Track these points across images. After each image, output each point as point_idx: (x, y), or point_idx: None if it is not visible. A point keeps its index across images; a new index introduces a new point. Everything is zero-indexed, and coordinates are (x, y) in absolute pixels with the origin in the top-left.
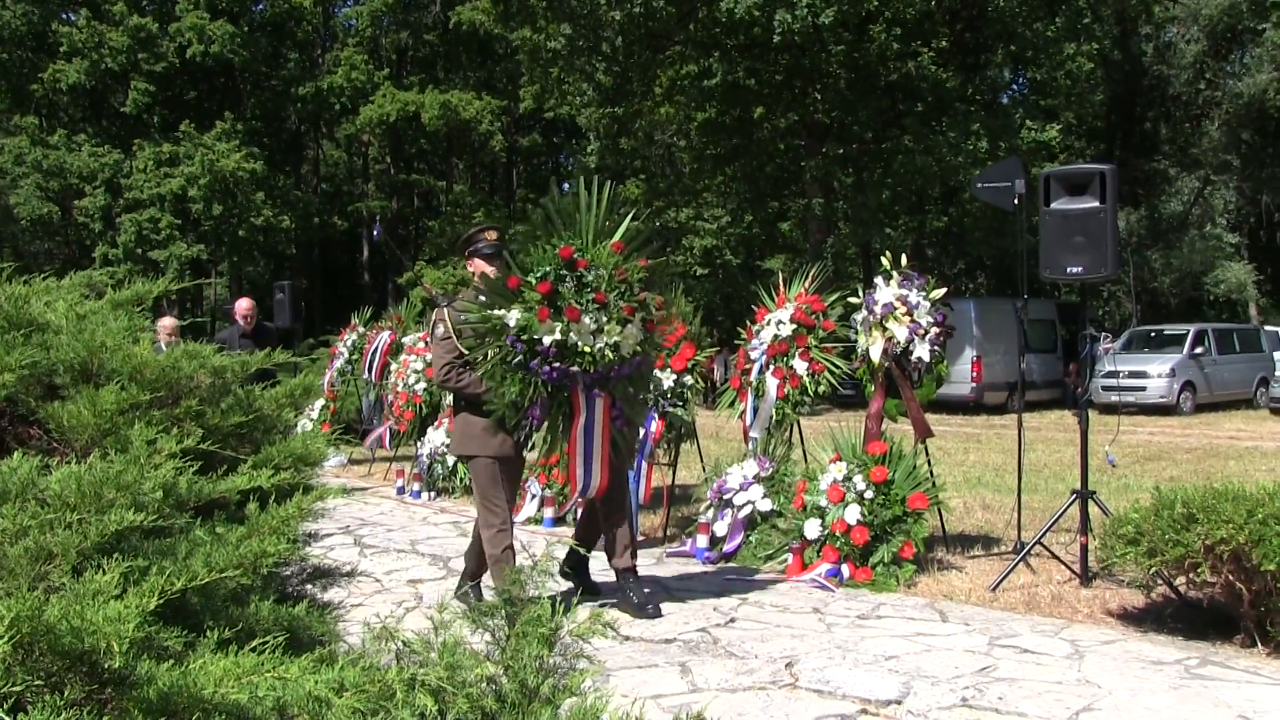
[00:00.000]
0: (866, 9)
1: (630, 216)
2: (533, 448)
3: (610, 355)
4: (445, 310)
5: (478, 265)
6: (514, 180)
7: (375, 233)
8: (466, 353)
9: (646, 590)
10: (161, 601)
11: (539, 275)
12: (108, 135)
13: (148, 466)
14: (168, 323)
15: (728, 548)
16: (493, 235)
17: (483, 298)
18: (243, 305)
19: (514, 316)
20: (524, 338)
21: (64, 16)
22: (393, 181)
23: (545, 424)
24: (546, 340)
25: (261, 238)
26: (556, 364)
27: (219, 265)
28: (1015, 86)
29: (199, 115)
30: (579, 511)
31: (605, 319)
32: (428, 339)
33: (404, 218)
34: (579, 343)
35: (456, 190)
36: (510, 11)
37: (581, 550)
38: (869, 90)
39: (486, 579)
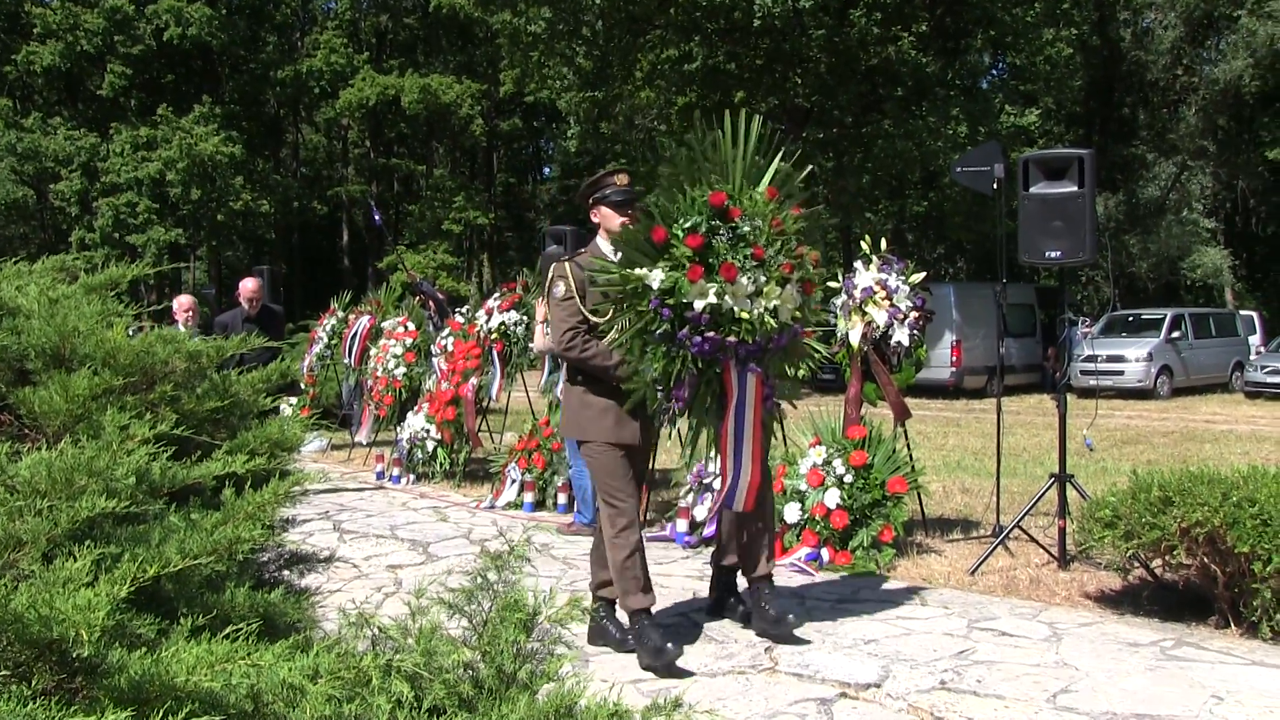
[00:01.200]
0: None
1: (780, 155)
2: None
3: (771, 322)
4: (567, 265)
5: (605, 215)
6: (494, 164)
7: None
8: (593, 318)
9: (781, 601)
10: (133, 589)
11: (688, 226)
12: (84, 118)
13: (120, 452)
14: (185, 300)
15: (707, 532)
16: (624, 179)
17: (618, 253)
18: (248, 286)
19: (658, 276)
20: (670, 302)
21: None
22: (372, 166)
23: (691, 408)
24: (699, 305)
25: (240, 222)
26: (709, 333)
27: (197, 250)
28: (995, 71)
29: (177, 98)
30: (712, 523)
31: (764, 279)
32: (544, 299)
33: (384, 202)
34: (735, 307)
35: (436, 174)
36: None
37: (725, 566)
38: (849, 75)
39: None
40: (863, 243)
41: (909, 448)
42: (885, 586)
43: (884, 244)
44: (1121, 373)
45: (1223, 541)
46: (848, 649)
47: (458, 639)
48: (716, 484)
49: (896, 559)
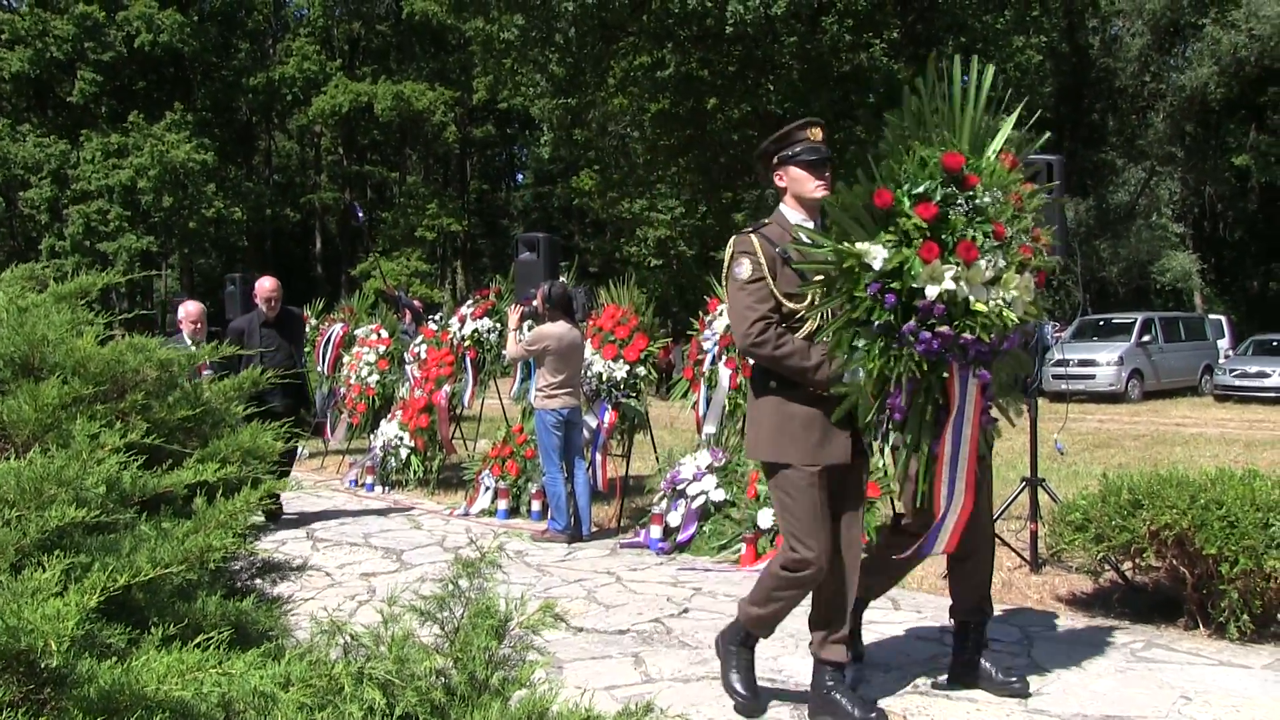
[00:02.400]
0: (818, 0)
1: (1015, 116)
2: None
3: (1010, 317)
4: (753, 238)
5: (795, 178)
6: (467, 171)
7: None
8: (789, 304)
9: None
10: (103, 598)
11: (918, 193)
12: (53, 125)
13: (90, 461)
14: (193, 309)
15: (681, 538)
16: (817, 133)
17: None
18: (265, 286)
19: (881, 254)
20: (895, 286)
21: (6, 4)
22: (345, 173)
23: (908, 420)
24: (931, 292)
25: (213, 229)
26: (942, 328)
27: (170, 257)
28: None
29: (148, 105)
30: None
31: (1003, 263)
32: (723, 281)
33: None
34: (970, 297)
35: (410, 181)
36: (463, 2)
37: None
38: (821, 81)
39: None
40: None
41: (881, 453)
42: None
43: None
44: (1093, 376)
45: (1191, 543)
46: None
47: (430, 646)
48: (691, 490)
49: None
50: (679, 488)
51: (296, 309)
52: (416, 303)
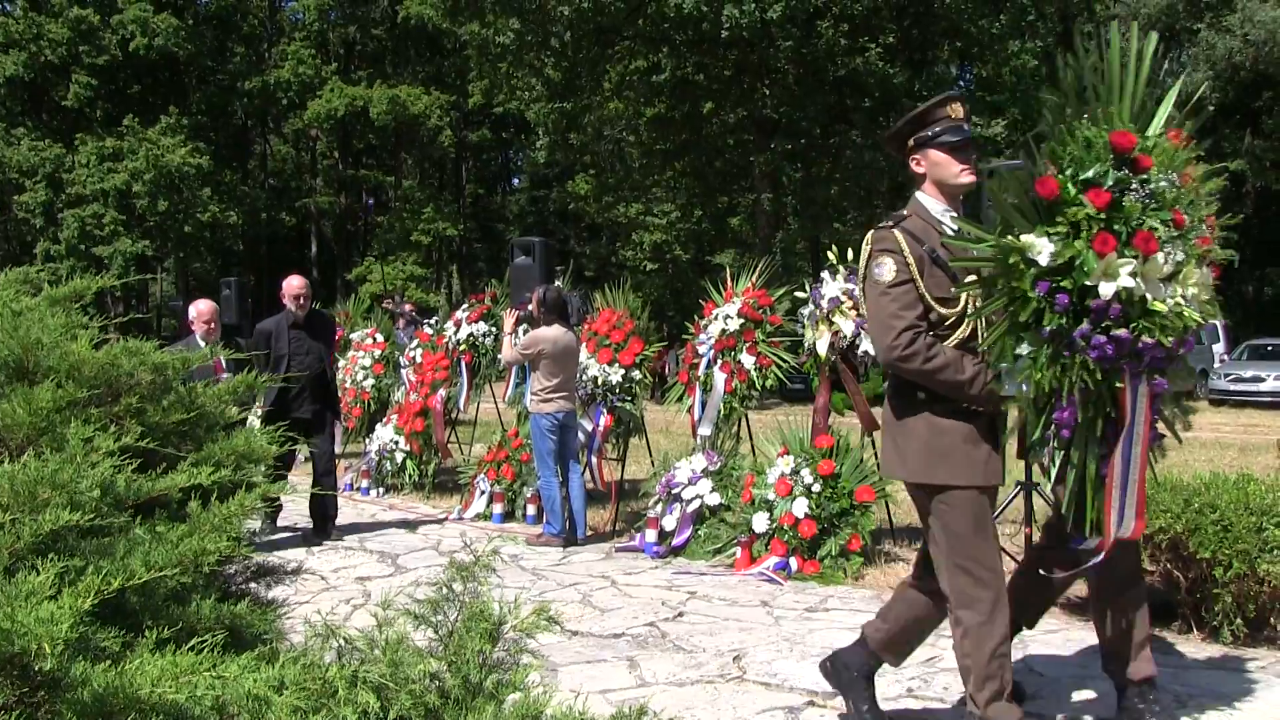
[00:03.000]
0: (814, 5)
1: (1178, 85)
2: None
3: (1192, 317)
4: (896, 234)
5: (936, 162)
6: (463, 176)
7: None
8: (940, 309)
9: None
10: (97, 601)
11: (1088, 177)
12: (48, 129)
13: (84, 465)
14: (205, 309)
15: (676, 542)
16: (958, 110)
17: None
18: (294, 284)
19: (1048, 248)
20: (1065, 284)
21: (1, 6)
22: (341, 177)
23: (1073, 437)
24: (1107, 290)
25: (208, 234)
26: (1119, 331)
27: (165, 261)
28: (961, 82)
29: (143, 109)
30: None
31: (1181, 256)
32: (861, 285)
33: (353, 214)
34: (1149, 295)
35: (405, 185)
36: (459, 6)
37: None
38: (817, 86)
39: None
40: (829, 253)
41: (876, 456)
42: (853, 595)
43: (850, 254)
44: None
45: (1185, 547)
46: (816, 657)
47: (424, 649)
48: (686, 493)
49: (865, 567)
50: (674, 491)
51: (327, 311)
52: (408, 306)
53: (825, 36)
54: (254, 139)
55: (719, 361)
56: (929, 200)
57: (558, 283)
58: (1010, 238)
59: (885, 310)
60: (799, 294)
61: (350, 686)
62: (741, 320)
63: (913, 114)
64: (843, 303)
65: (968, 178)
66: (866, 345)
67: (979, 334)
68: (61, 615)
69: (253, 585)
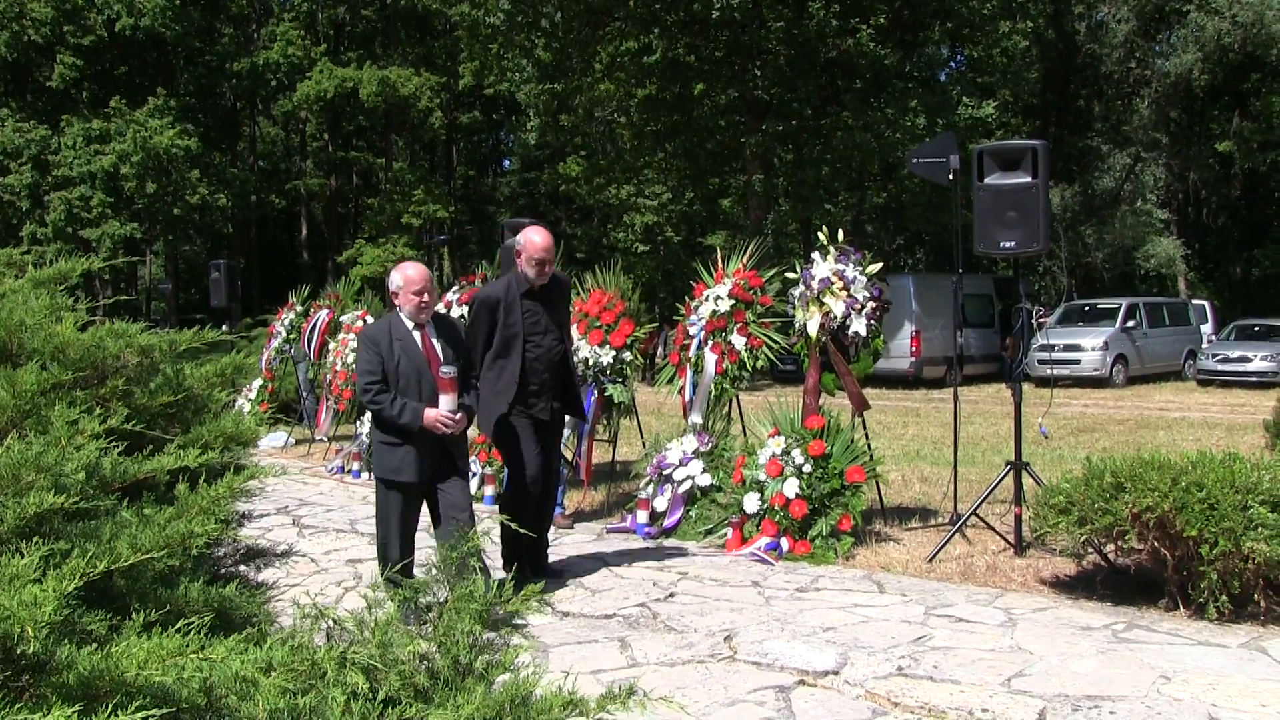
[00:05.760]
0: None
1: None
2: None
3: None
4: None
5: None
6: (454, 157)
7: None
8: None
9: None
10: (82, 584)
11: None
12: (33, 110)
13: (69, 447)
14: (415, 275)
15: (668, 523)
16: None
17: None
18: (535, 240)
19: None
20: None
21: None
22: (331, 159)
23: None
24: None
25: (197, 216)
26: None
27: (154, 244)
28: (953, 64)
29: (130, 91)
30: None
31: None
32: None
33: (343, 195)
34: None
35: (396, 168)
36: None
37: None
38: (808, 67)
39: None
40: (820, 234)
41: (867, 437)
42: (844, 575)
43: (840, 235)
44: (1078, 361)
45: (1172, 526)
46: (806, 637)
47: (413, 630)
48: (678, 475)
49: (855, 547)
50: (665, 473)
51: (564, 274)
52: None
53: (816, 17)
54: (243, 121)
55: (710, 342)
56: None
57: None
58: None
59: None
60: (789, 275)
61: (339, 668)
62: (732, 301)
63: None
64: (833, 284)
65: None
66: (857, 326)
67: None
68: (45, 598)
69: (242, 568)
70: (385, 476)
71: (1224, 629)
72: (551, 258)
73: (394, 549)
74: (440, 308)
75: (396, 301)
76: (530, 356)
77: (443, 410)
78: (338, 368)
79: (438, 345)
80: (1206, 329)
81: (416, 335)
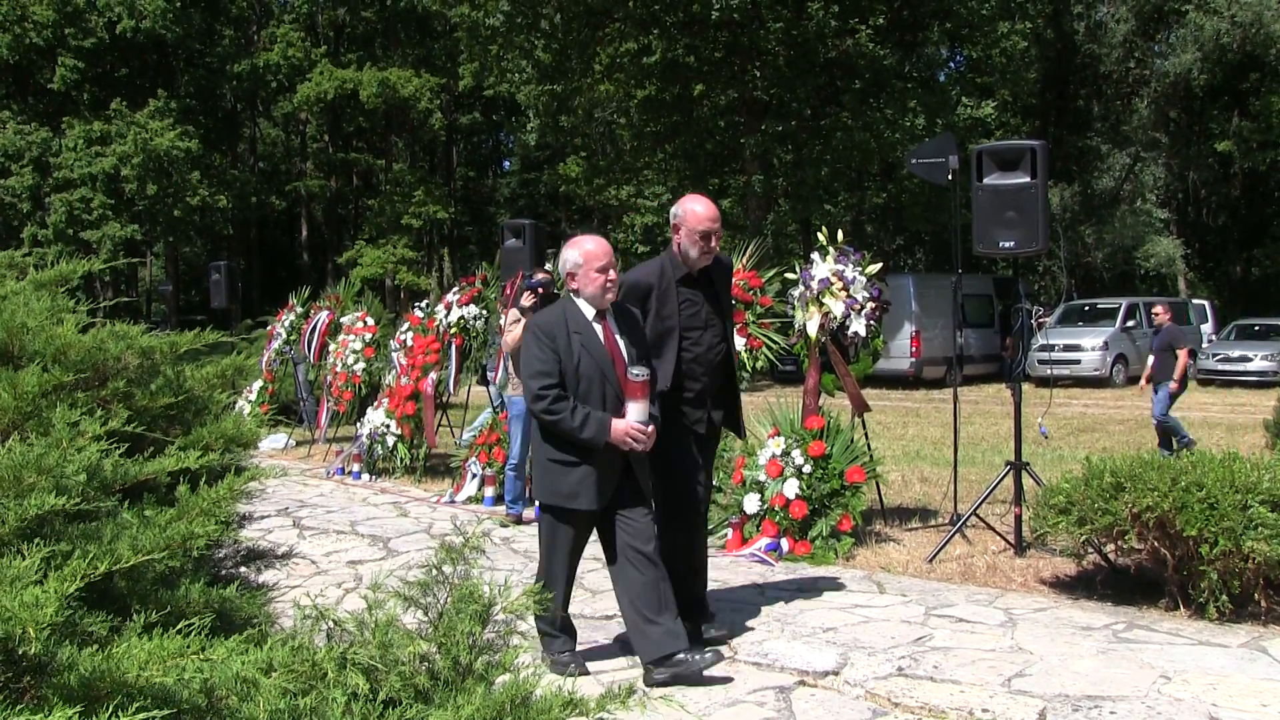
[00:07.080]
0: None
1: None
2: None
3: None
4: None
5: None
6: (454, 158)
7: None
8: None
9: None
10: (83, 585)
11: None
12: (34, 112)
13: (70, 449)
14: (595, 249)
15: None
16: None
17: None
18: (698, 211)
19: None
20: None
21: None
22: (331, 160)
23: None
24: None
25: (198, 217)
26: None
27: (154, 246)
28: (952, 64)
29: (131, 93)
30: None
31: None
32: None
33: (343, 197)
34: None
35: (396, 169)
36: None
37: None
38: (807, 67)
39: None
40: (819, 234)
41: (867, 437)
42: (844, 575)
43: (840, 235)
44: (1078, 361)
45: (1172, 526)
46: (807, 637)
47: (414, 631)
48: None
49: (855, 548)
50: None
51: (727, 256)
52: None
53: (815, 18)
54: (243, 122)
55: None
56: None
57: (548, 265)
58: None
59: None
60: (789, 275)
61: (339, 668)
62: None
63: None
64: (832, 284)
65: None
66: (856, 326)
67: None
68: (46, 599)
69: (243, 569)
70: (556, 504)
71: (1224, 629)
72: (719, 230)
73: (559, 587)
74: (440, 308)
75: (573, 285)
76: (688, 357)
77: (632, 420)
78: (337, 369)
79: (621, 342)
80: (1207, 328)
81: (598, 328)
